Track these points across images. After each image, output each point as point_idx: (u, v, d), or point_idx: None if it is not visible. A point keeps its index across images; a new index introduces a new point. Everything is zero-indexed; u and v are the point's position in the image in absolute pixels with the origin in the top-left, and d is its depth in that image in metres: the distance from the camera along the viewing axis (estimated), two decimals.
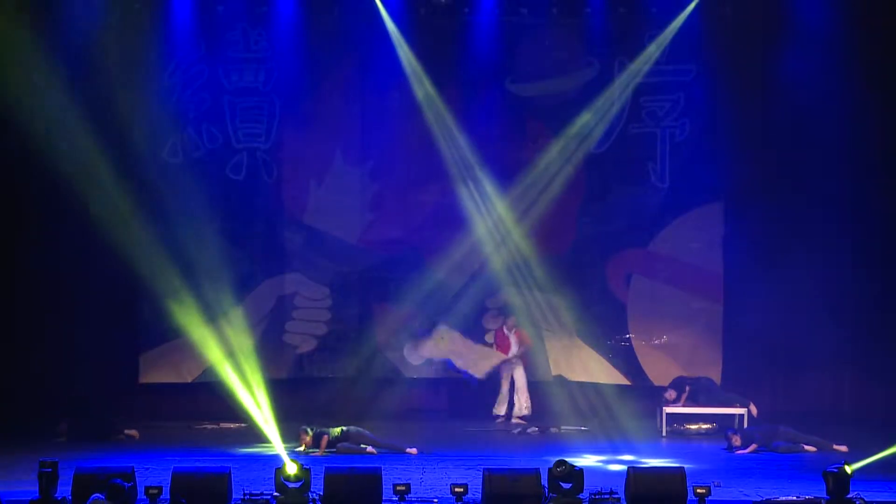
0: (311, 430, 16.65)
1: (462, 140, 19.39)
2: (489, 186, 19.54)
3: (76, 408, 18.04)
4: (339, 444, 16.63)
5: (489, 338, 19.83)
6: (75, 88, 18.48)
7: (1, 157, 18.57)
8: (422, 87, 19.23)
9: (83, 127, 18.36)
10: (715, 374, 19.23)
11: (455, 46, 19.43)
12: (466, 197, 19.58)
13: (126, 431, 17.83)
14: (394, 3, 19.15)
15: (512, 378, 19.45)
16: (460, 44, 19.41)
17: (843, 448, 16.65)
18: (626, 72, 19.28)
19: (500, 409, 19.43)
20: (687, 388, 18.46)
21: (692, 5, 18.87)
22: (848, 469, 12.98)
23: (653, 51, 19.13)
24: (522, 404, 19.36)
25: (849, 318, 19.11)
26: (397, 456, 16.41)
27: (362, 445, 16.65)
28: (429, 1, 19.29)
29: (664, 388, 18.81)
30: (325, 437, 16.63)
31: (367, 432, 16.87)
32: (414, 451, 16.65)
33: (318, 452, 16.44)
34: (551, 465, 13.14)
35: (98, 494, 11.85)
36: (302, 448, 16.56)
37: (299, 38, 19.39)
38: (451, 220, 19.69)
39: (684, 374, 19.03)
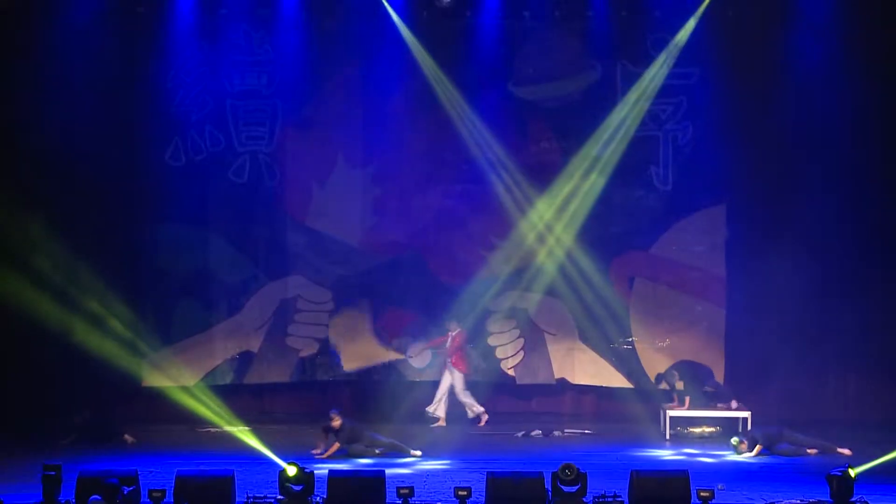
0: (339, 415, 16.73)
1: (454, 144, 19.43)
2: (492, 189, 19.55)
3: (78, 411, 17.99)
4: (351, 446, 16.64)
5: (493, 340, 19.85)
6: (78, 91, 18.45)
7: (4, 158, 18.55)
8: (439, 83, 19.26)
9: (86, 129, 18.40)
10: (717, 378, 19.22)
11: (457, 49, 19.41)
12: (469, 199, 19.59)
13: (125, 437, 17.77)
14: (396, 6, 19.15)
15: (451, 384, 19.39)
16: (463, 46, 19.39)
17: (847, 451, 16.63)
18: (643, 77, 19.26)
19: (439, 411, 19.37)
20: (687, 400, 18.49)
21: (702, 7, 18.85)
22: (852, 472, 12.98)
23: (668, 55, 19.07)
24: (474, 408, 19.29)
25: (852, 321, 19.05)
26: (400, 458, 16.44)
27: (372, 447, 16.69)
28: (431, 3, 19.27)
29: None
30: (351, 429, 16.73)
31: (376, 434, 16.91)
32: (419, 453, 16.66)
33: (331, 451, 16.46)
34: (555, 468, 13.14)
35: (97, 496, 11.89)
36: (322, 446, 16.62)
37: (301, 41, 19.39)
38: (453, 223, 19.69)
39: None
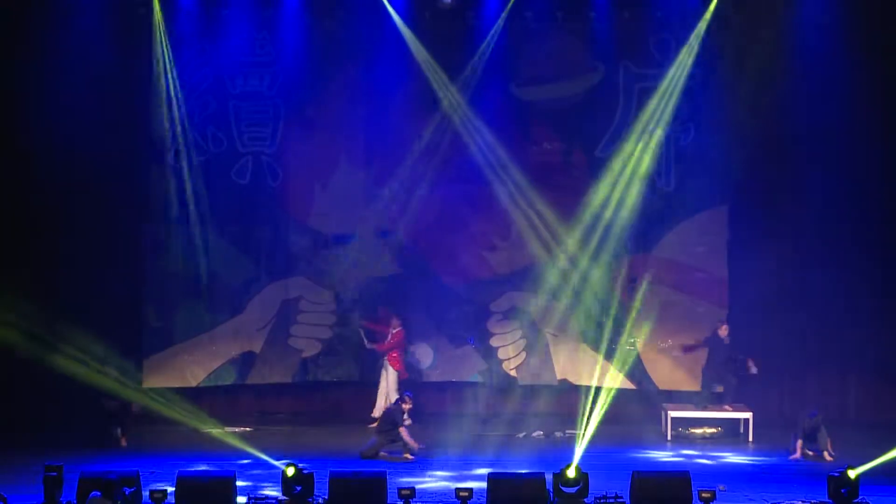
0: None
1: (457, 145, 19.45)
2: (494, 190, 19.56)
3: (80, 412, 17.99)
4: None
5: (495, 341, 19.86)
6: (80, 92, 18.46)
7: (6, 161, 18.56)
8: (441, 84, 19.29)
9: (88, 130, 18.41)
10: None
11: (460, 49, 19.41)
12: (471, 200, 19.60)
13: (120, 437, 17.75)
14: (399, 7, 19.16)
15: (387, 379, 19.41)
16: (465, 47, 19.39)
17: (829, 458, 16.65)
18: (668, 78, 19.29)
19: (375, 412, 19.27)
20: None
21: (710, 9, 18.87)
22: (851, 473, 12.99)
23: (688, 55, 19.10)
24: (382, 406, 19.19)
25: (855, 322, 19.09)
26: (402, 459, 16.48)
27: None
28: (434, 5, 19.27)
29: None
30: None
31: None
32: (411, 457, 16.73)
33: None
34: (557, 469, 13.16)
35: (96, 493, 11.96)
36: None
37: (303, 42, 19.41)
38: (455, 224, 19.70)
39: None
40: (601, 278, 19.62)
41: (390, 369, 19.21)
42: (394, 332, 19.28)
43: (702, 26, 18.94)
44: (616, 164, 19.41)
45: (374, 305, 19.82)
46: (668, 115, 19.27)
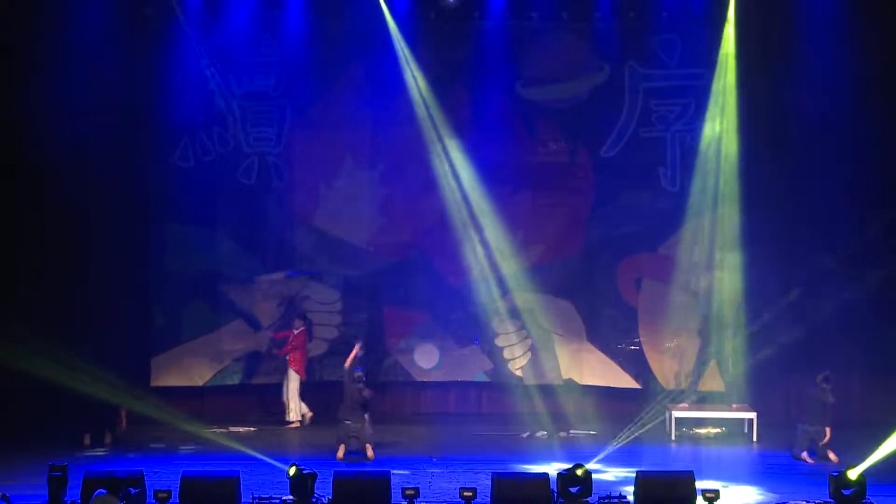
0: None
1: (462, 145, 19.45)
2: (498, 189, 19.57)
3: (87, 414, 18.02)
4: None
5: (501, 341, 19.85)
6: (87, 93, 18.48)
7: (13, 160, 18.60)
8: (419, 94, 19.32)
9: (95, 132, 18.44)
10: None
11: (465, 50, 19.43)
12: (475, 200, 19.60)
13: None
14: (403, 8, 19.18)
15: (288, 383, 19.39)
16: (470, 48, 19.41)
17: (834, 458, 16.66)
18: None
19: (293, 414, 19.23)
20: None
21: (731, 12, 18.89)
22: (851, 473, 12.98)
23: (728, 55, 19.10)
24: (295, 408, 19.13)
25: (859, 322, 19.03)
26: (405, 460, 16.45)
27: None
28: (438, 5, 19.27)
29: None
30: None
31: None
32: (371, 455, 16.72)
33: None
34: (561, 469, 13.16)
35: (102, 490, 11.99)
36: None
37: (309, 43, 19.42)
38: (459, 224, 19.70)
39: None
40: (606, 278, 19.63)
41: (290, 372, 19.20)
42: (296, 332, 19.31)
43: (728, 32, 18.96)
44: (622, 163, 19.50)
45: (379, 305, 19.88)
46: (731, 113, 19.25)
